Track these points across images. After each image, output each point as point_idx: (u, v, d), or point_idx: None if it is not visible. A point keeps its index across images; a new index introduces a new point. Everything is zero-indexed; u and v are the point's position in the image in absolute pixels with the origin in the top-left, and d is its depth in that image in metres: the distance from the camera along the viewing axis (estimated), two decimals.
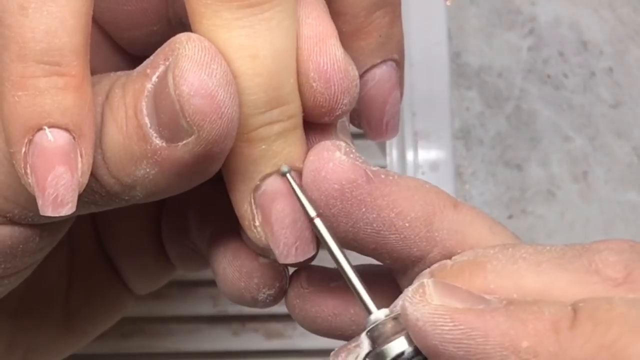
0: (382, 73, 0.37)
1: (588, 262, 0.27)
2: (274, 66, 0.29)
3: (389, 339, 0.27)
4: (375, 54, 0.36)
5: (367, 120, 0.38)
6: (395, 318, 0.27)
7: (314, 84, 0.30)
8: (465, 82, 0.61)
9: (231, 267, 0.33)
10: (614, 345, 0.24)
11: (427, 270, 0.29)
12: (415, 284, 0.27)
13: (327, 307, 0.32)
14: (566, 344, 0.25)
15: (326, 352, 0.51)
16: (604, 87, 0.61)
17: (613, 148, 0.60)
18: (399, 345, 0.27)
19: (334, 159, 0.29)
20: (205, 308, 0.51)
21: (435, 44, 0.53)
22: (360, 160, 0.29)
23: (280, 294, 0.33)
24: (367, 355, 0.27)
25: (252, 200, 0.30)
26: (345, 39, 0.35)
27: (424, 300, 0.26)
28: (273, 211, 0.30)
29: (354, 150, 0.30)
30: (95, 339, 0.42)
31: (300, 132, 0.30)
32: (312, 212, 0.29)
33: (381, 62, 0.36)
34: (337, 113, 0.30)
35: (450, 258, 0.29)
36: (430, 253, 0.29)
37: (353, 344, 0.29)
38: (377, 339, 0.27)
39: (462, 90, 0.61)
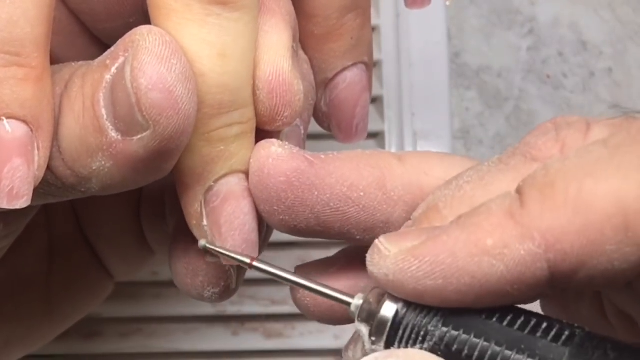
0: (353, 76, 0.37)
1: (523, 155, 0.27)
2: (240, 67, 0.29)
3: (377, 310, 0.27)
4: (347, 56, 0.36)
5: (337, 123, 0.38)
6: (371, 292, 0.27)
7: (257, 92, 0.30)
8: (465, 82, 0.61)
9: (180, 263, 0.33)
10: (569, 199, 0.24)
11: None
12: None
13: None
14: (526, 221, 0.24)
15: (325, 352, 0.51)
16: (604, 87, 0.61)
17: None
18: (388, 308, 0.27)
19: (272, 154, 0.29)
20: (204, 308, 0.51)
21: (435, 44, 0.53)
22: (296, 150, 0.30)
23: (226, 293, 0.33)
24: (370, 336, 0.27)
25: (203, 201, 0.30)
26: (317, 41, 0.35)
27: (382, 256, 0.26)
28: (223, 213, 0.30)
29: (287, 143, 0.30)
30: (95, 338, 0.42)
31: (254, 135, 0.30)
32: (247, 260, 0.30)
33: (352, 65, 0.37)
34: (278, 124, 0.30)
35: (413, 212, 0.29)
36: (394, 213, 0.29)
37: (356, 336, 0.29)
38: (368, 318, 0.27)
39: (462, 90, 0.61)
